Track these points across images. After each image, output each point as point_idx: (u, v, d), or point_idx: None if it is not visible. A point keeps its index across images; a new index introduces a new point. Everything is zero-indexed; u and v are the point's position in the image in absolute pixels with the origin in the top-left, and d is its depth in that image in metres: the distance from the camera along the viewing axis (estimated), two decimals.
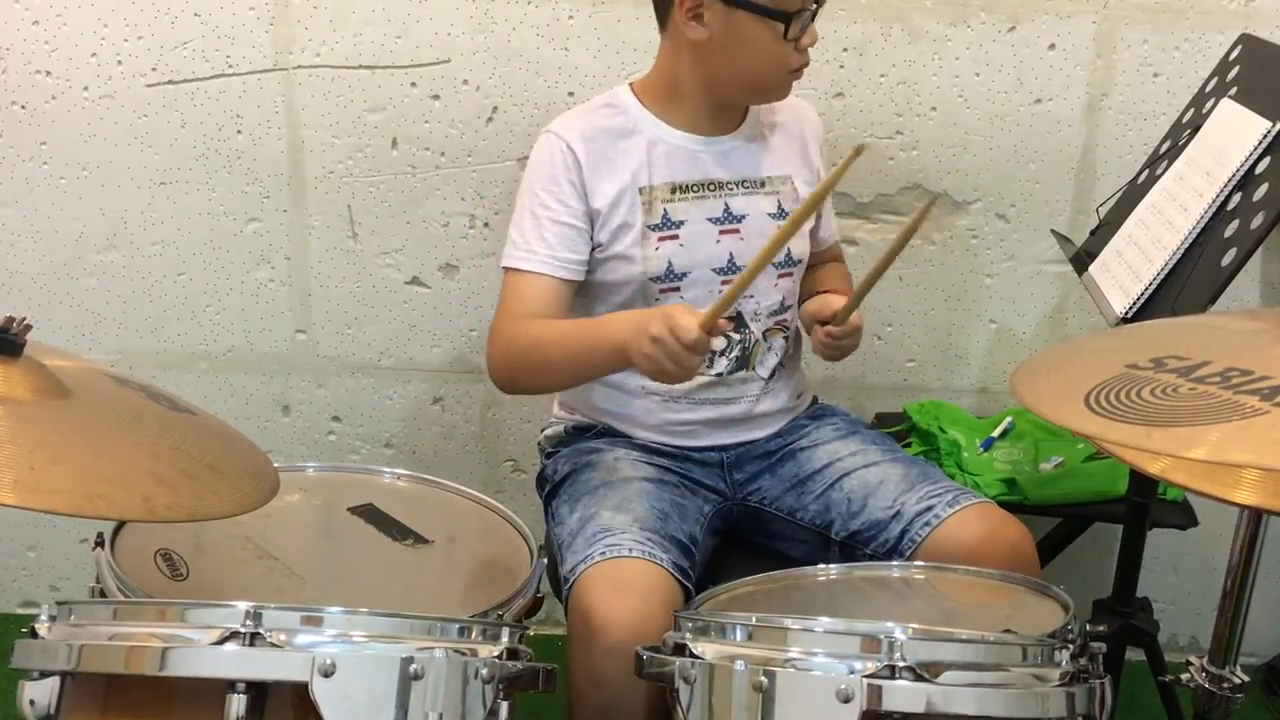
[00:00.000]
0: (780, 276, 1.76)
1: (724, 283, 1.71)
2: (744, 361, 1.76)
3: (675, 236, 1.70)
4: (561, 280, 1.68)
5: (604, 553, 1.52)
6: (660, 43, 1.73)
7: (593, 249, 1.70)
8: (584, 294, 1.76)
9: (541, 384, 1.76)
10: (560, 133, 1.70)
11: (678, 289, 1.71)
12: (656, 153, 1.71)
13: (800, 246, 1.78)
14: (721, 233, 1.72)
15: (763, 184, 1.75)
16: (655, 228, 1.69)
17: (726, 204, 1.73)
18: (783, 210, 1.75)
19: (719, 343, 1.73)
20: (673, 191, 1.71)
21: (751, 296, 1.74)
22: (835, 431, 1.81)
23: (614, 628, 1.44)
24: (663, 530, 1.59)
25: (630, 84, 1.77)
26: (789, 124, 1.80)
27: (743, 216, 1.73)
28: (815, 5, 1.62)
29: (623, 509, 1.61)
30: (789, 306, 1.79)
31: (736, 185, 1.73)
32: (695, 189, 1.71)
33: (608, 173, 1.69)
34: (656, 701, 1.42)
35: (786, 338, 1.80)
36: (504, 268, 1.71)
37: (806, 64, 1.67)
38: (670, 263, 1.70)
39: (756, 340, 1.76)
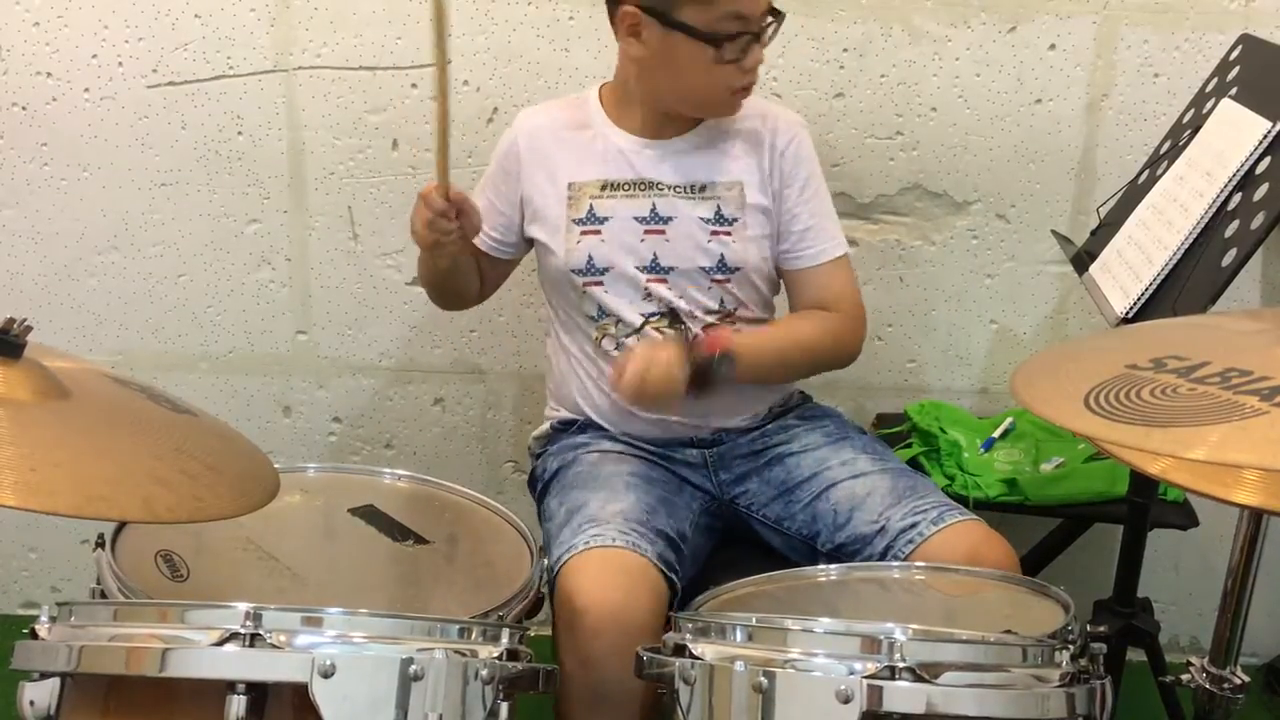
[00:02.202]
0: (713, 282, 1.76)
1: (649, 280, 1.75)
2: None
3: (597, 232, 1.75)
4: (482, 251, 1.84)
5: (588, 542, 1.54)
6: (619, 49, 1.76)
7: (528, 238, 1.82)
8: (541, 280, 1.86)
9: (433, 294, 1.91)
10: (517, 125, 1.82)
11: (600, 283, 1.76)
12: (593, 150, 1.76)
13: (736, 253, 1.75)
14: (646, 232, 1.75)
15: (702, 188, 1.76)
16: (579, 222, 1.75)
17: (654, 204, 1.75)
18: (720, 215, 1.76)
19: (656, 337, 1.75)
20: (602, 189, 1.76)
21: (681, 298, 1.76)
22: (825, 437, 1.81)
23: (598, 609, 1.46)
24: (649, 523, 1.60)
25: (600, 85, 1.82)
26: (753, 131, 1.78)
27: (669, 218, 1.75)
28: (760, 29, 1.64)
29: (610, 501, 1.63)
30: (731, 310, 1.78)
31: (669, 188, 1.76)
32: (625, 188, 1.76)
33: (543, 166, 1.78)
34: (654, 701, 1.42)
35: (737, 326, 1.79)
36: None
37: (752, 83, 1.71)
38: (590, 256, 1.74)
39: (696, 336, 1.75)
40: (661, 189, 1.75)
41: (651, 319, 1.76)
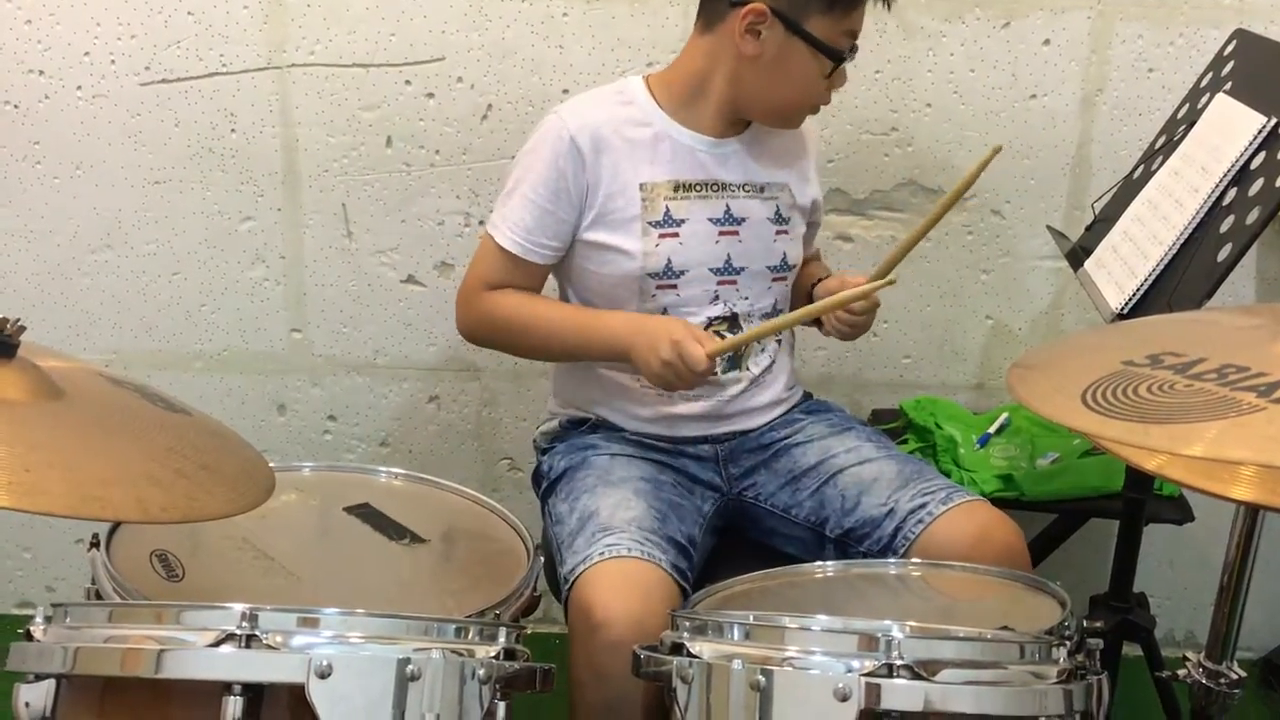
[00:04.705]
0: (774, 280, 1.78)
1: (720, 282, 1.73)
2: (736, 363, 1.78)
3: (675, 234, 1.71)
4: (534, 264, 1.72)
5: (603, 552, 1.52)
6: (694, 41, 1.70)
7: (586, 241, 1.70)
8: (579, 284, 1.76)
9: (516, 352, 1.86)
10: (569, 122, 1.68)
11: (674, 286, 1.72)
12: (662, 149, 1.71)
13: (795, 251, 1.80)
14: (721, 233, 1.73)
15: (762, 189, 1.76)
16: (656, 224, 1.70)
17: (728, 205, 1.73)
18: (780, 215, 1.77)
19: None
20: (675, 189, 1.71)
21: (746, 299, 1.75)
22: (829, 427, 1.82)
23: (616, 624, 1.44)
24: (661, 531, 1.59)
25: (645, 78, 1.75)
26: (791, 135, 1.79)
27: (743, 219, 1.74)
28: (854, 52, 1.67)
29: (621, 508, 1.61)
30: (780, 310, 1.81)
31: (739, 188, 1.74)
32: (698, 188, 1.72)
33: (610, 165, 1.68)
34: (654, 700, 1.42)
35: (779, 340, 1.82)
36: (487, 231, 1.73)
37: (828, 104, 1.72)
38: (669, 260, 1.70)
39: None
40: (732, 190, 1.74)
41: (715, 322, 1.75)
